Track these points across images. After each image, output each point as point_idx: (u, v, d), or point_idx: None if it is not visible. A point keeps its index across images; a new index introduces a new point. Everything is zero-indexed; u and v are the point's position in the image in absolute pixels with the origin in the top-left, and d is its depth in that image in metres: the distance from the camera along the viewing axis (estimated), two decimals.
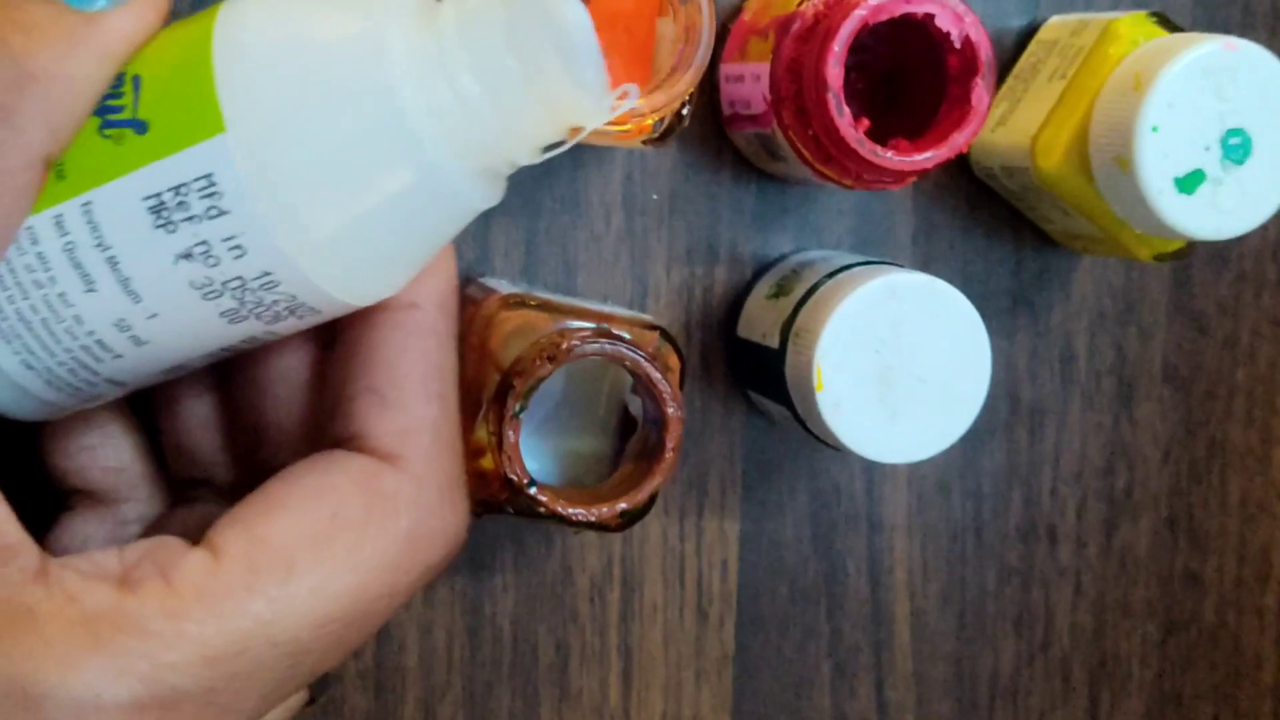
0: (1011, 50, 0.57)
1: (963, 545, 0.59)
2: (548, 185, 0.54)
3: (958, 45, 0.48)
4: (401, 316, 0.36)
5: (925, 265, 0.57)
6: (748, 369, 0.55)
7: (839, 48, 0.47)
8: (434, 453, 0.36)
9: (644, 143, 0.49)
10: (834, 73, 0.47)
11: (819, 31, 0.48)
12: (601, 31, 0.47)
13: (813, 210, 0.57)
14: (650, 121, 0.48)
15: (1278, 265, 0.60)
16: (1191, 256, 0.57)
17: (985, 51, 0.48)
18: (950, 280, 0.51)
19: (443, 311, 0.37)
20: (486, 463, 0.48)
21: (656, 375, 0.47)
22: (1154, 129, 0.48)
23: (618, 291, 0.55)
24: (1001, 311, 0.58)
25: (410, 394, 0.36)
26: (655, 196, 0.55)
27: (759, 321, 0.54)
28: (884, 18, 0.48)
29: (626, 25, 0.49)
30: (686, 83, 0.47)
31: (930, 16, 0.48)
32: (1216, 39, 0.49)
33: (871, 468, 0.58)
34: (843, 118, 0.48)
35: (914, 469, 0.58)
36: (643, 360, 0.47)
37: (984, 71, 0.48)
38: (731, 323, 0.56)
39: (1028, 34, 0.57)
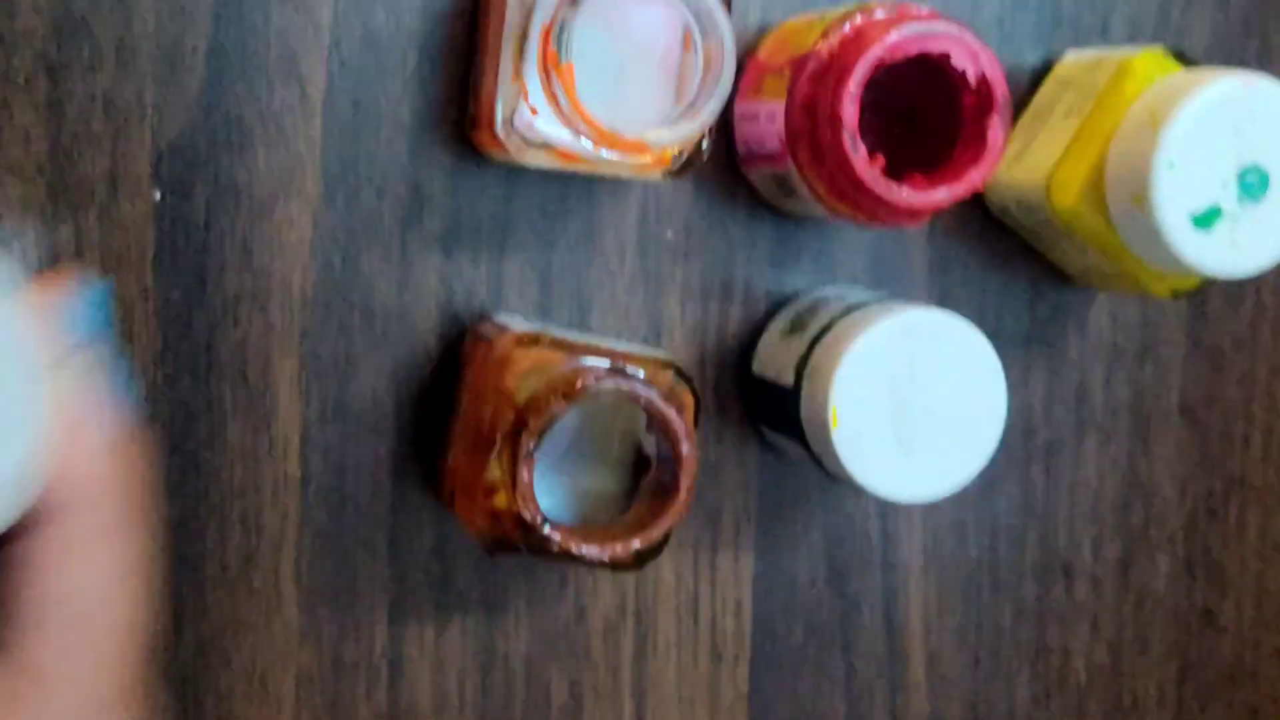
0: (1027, 86, 0.57)
1: (978, 584, 0.59)
2: (562, 222, 0.54)
3: (973, 83, 0.48)
4: (48, 531, 0.34)
5: (941, 300, 0.57)
6: (762, 407, 0.55)
7: (854, 87, 0.47)
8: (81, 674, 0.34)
9: (663, 174, 0.49)
10: (849, 111, 0.47)
11: (834, 70, 0.48)
12: (636, 62, 0.48)
13: (828, 246, 0.56)
14: (671, 154, 0.48)
15: None
16: (1208, 292, 0.57)
17: (1001, 89, 0.48)
18: (965, 315, 0.50)
19: (101, 509, 0.34)
20: (500, 501, 0.48)
21: (671, 414, 0.47)
22: (1170, 165, 0.48)
23: (632, 328, 0.55)
24: (1017, 347, 0.58)
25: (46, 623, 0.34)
26: (670, 234, 0.55)
27: (773, 359, 0.54)
28: (900, 56, 0.47)
29: (659, 57, 0.49)
30: (709, 114, 0.47)
31: (946, 55, 0.48)
32: (1233, 75, 0.49)
33: (886, 505, 0.57)
34: (858, 155, 0.48)
35: (929, 507, 0.58)
36: (657, 399, 0.47)
37: (1000, 109, 0.48)
38: (746, 360, 0.56)
39: (1043, 70, 0.57)
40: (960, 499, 0.57)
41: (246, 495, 0.53)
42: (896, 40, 0.47)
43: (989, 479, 0.56)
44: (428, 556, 0.54)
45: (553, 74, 0.45)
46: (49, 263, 0.50)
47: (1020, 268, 0.58)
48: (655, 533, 0.47)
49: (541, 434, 0.46)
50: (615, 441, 0.51)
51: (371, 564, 0.54)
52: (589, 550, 0.47)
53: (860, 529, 0.58)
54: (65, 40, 0.50)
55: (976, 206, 0.57)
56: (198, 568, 0.53)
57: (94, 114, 0.50)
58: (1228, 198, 0.49)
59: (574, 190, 0.54)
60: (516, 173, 0.53)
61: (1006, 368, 0.51)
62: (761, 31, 0.55)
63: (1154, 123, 0.48)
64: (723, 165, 0.55)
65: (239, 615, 0.53)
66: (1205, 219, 0.49)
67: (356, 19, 0.52)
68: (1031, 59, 0.57)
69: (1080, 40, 0.57)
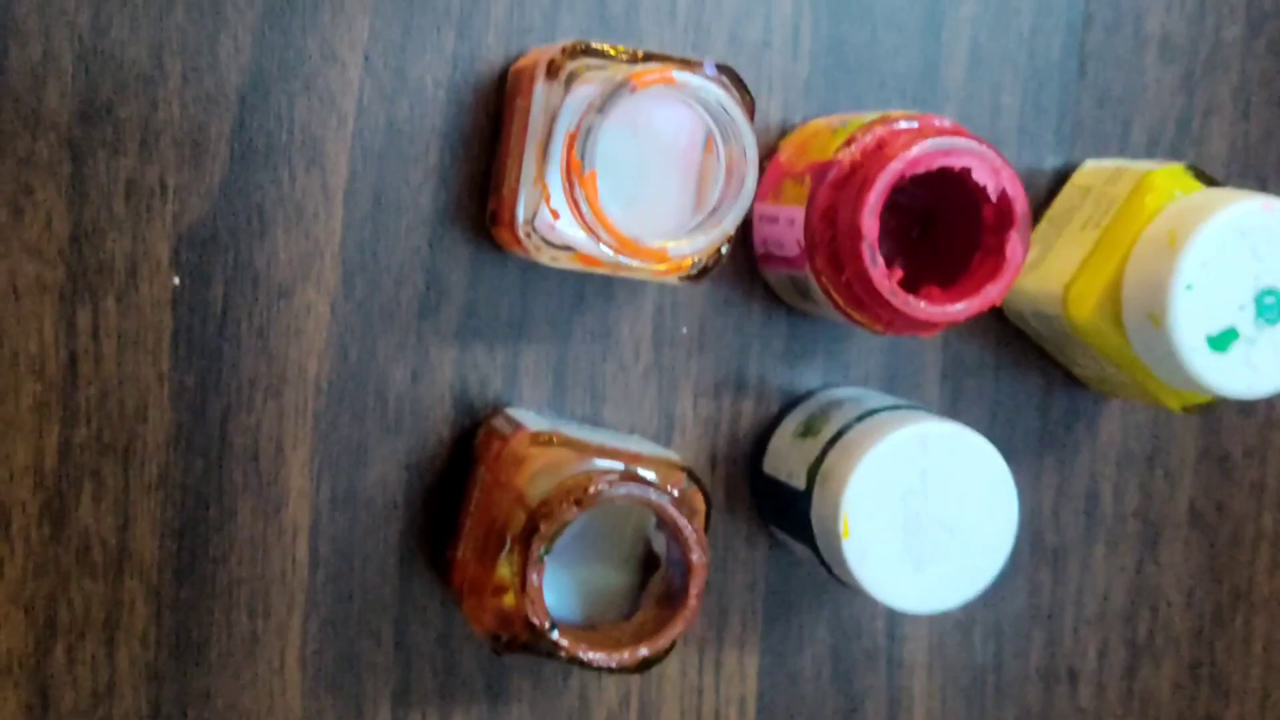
0: (1045, 191, 0.57)
1: (983, 685, 0.59)
2: (578, 315, 0.54)
3: (994, 198, 0.48)
4: None
5: (953, 403, 0.57)
6: (772, 506, 0.55)
7: (875, 199, 0.47)
8: None
9: (680, 279, 0.49)
10: (869, 224, 0.47)
11: (855, 181, 0.48)
12: (657, 162, 0.48)
13: (842, 347, 0.56)
14: (689, 261, 0.48)
15: None
16: (1221, 408, 0.57)
17: (1021, 206, 0.48)
18: (977, 419, 0.50)
19: None
20: (509, 600, 0.48)
21: (683, 521, 0.47)
22: (1188, 287, 0.48)
23: (644, 423, 0.55)
24: (1028, 451, 0.58)
25: None
26: (685, 330, 0.55)
27: (785, 460, 0.54)
28: (921, 170, 0.48)
29: (681, 157, 0.49)
30: (730, 224, 0.47)
31: (967, 170, 0.48)
32: (1253, 198, 0.49)
33: None
34: (877, 268, 0.48)
35: None
36: (669, 506, 0.47)
37: (1019, 225, 0.48)
38: (757, 457, 0.56)
39: (1062, 175, 0.57)
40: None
41: (254, 580, 0.53)
42: (918, 154, 0.48)
43: (996, 581, 0.55)
44: (433, 645, 0.54)
45: (576, 181, 0.45)
46: (68, 347, 0.50)
47: (1033, 371, 0.58)
48: (663, 641, 0.47)
49: (553, 539, 0.46)
50: (626, 537, 0.51)
51: (376, 651, 0.54)
52: (596, 657, 0.47)
53: (866, 628, 0.58)
54: (90, 123, 0.50)
55: (991, 310, 0.57)
56: (202, 651, 0.52)
57: (116, 197, 0.50)
58: (1245, 320, 0.49)
59: (591, 284, 0.54)
60: (534, 266, 0.53)
61: (1017, 470, 0.51)
62: (783, 133, 0.55)
63: (1173, 243, 0.48)
64: (740, 262, 0.55)
65: (242, 701, 0.53)
66: (1221, 341, 0.49)
67: (380, 109, 0.52)
68: (1051, 162, 0.57)
69: (1100, 147, 0.57)
